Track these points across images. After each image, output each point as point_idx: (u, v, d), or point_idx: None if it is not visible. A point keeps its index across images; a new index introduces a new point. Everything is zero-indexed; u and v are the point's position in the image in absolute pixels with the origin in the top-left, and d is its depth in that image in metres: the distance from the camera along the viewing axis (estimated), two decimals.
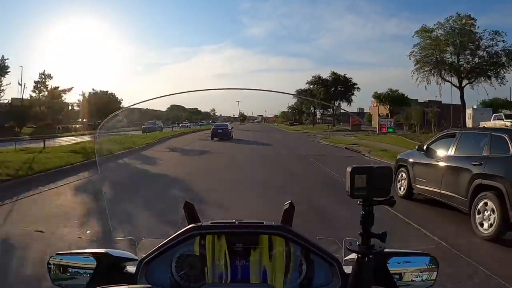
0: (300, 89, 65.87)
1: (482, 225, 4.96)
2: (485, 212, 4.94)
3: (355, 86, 58.36)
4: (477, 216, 5.05)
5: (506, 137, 5.04)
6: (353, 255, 1.05)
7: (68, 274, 1.24)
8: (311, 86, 60.78)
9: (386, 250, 1.09)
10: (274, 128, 61.39)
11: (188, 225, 1.30)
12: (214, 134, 27.28)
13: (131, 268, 1.29)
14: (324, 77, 59.26)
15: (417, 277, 1.22)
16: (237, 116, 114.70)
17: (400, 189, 7.28)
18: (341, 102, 58.33)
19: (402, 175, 7.26)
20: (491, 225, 4.83)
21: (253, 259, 1.26)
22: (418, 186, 6.66)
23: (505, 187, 4.69)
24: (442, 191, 5.88)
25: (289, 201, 1.35)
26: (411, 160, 7.03)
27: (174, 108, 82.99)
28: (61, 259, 1.25)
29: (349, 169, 1.02)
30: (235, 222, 1.31)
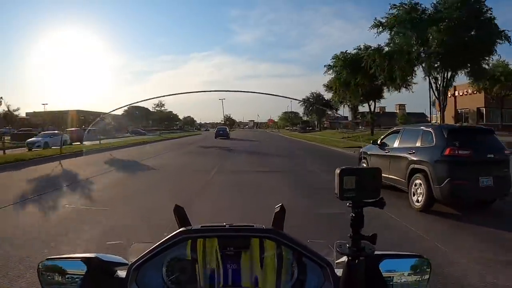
0: (341, 52, 32.48)
1: (415, 200, 6.41)
2: (417, 190, 6.39)
3: (503, 32, 22.15)
4: (412, 193, 6.50)
5: (432, 131, 6.50)
6: (345, 258, 1.05)
7: (59, 279, 1.22)
8: (393, 35, 24.03)
9: (377, 252, 1.09)
10: (283, 140, 35.41)
11: (179, 228, 1.29)
12: (217, 134, 38.57)
13: (122, 273, 1.27)
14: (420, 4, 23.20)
15: (409, 279, 1.21)
16: (223, 121, 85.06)
17: None
18: (465, 71, 23.75)
19: (363, 165, 8.69)
20: (421, 200, 6.27)
21: (244, 263, 1.26)
22: None
23: (429, 170, 6.15)
24: (389, 176, 7.30)
25: (280, 204, 1.35)
26: (369, 152, 8.46)
27: (133, 110, 67.00)
28: (51, 264, 1.23)
29: (338, 171, 1.01)
30: (225, 226, 1.30)
